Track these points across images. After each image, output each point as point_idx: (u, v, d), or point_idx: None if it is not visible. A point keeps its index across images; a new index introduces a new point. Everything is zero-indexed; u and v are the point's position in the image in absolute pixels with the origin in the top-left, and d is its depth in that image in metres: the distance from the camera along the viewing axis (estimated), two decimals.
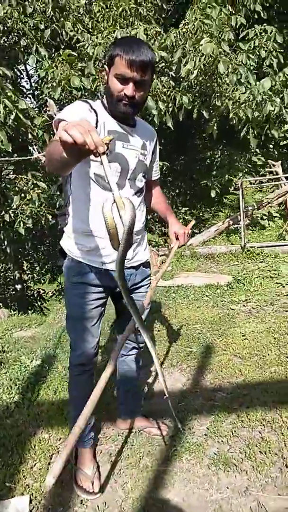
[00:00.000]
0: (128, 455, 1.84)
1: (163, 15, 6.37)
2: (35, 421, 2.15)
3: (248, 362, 2.41)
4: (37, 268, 8.63)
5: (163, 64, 4.67)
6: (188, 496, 1.59)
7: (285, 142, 7.33)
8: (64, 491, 1.67)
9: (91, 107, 1.42)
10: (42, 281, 8.74)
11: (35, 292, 8.03)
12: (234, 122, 4.26)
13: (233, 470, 1.66)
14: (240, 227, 5.55)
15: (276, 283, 3.63)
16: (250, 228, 5.33)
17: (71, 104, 1.43)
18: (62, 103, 4.54)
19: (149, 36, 4.64)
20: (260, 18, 6.55)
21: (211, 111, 4.47)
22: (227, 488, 1.60)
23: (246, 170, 7.35)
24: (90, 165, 1.46)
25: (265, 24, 5.71)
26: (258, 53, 5.30)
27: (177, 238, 1.78)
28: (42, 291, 8.15)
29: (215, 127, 4.56)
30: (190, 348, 2.68)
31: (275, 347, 2.53)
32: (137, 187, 1.58)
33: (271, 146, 7.94)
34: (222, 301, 3.38)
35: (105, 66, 1.43)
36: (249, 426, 1.89)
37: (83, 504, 1.61)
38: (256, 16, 6.35)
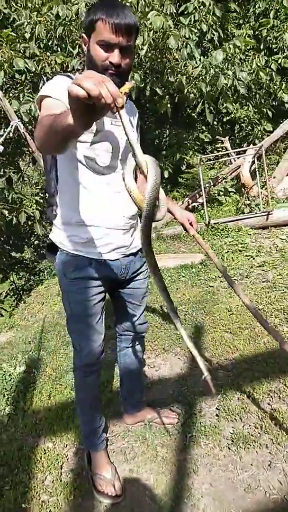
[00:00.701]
0: (143, 450, 1.77)
1: None
2: (34, 431, 2.01)
3: (240, 337, 2.43)
4: None
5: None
6: (215, 480, 1.56)
7: (228, 118, 7.45)
8: (85, 500, 1.58)
9: None
10: None
11: None
12: (190, 97, 4.19)
13: (253, 446, 1.66)
14: (199, 205, 5.60)
15: (246, 255, 3.69)
16: (209, 205, 5.37)
17: (51, 80, 1.28)
18: (4, 88, 4.19)
19: None
20: None
21: (163, 88, 4.36)
22: (251, 465, 1.59)
23: (195, 148, 7.38)
24: (77, 147, 1.33)
25: None
26: (199, 27, 5.25)
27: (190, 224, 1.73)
28: None
29: (168, 105, 4.47)
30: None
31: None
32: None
33: (215, 122, 8.03)
34: (199, 279, 3.37)
35: (83, 35, 1.28)
36: (258, 399, 1.90)
37: (109, 510, 1.52)
38: None
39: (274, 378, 2.01)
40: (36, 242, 5.51)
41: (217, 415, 1.88)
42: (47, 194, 1.53)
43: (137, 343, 1.81)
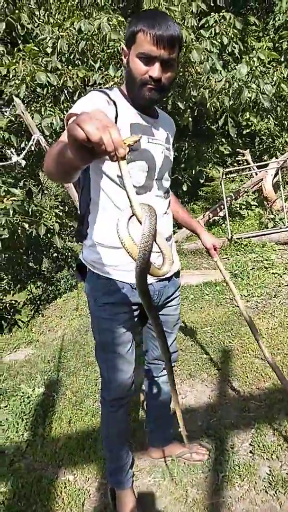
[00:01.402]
0: (171, 489, 1.64)
1: (120, 5, 6.13)
2: (54, 461, 1.90)
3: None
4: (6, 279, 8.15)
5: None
6: None
7: (247, 131, 7.35)
8: None
9: (109, 98, 1.19)
10: (12, 291, 8.26)
11: (7, 304, 7.57)
12: (211, 111, 4.11)
13: None
14: (220, 219, 5.48)
15: (273, 273, 3.54)
16: (230, 219, 5.25)
17: (85, 95, 1.20)
18: (26, 102, 4.19)
19: (112, 26, 4.40)
20: (216, 6, 6.50)
21: (185, 102, 4.29)
22: None
23: (215, 160, 7.28)
24: (111, 166, 1.24)
25: (223, 11, 5.64)
26: (220, 40, 5.20)
27: (215, 249, 1.65)
28: (14, 302, 7.70)
29: (190, 118, 4.39)
30: (206, 354, 2.52)
31: None
32: (164, 187, 1.38)
33: (234, 135, 7.95)
34: (224, 298, 3.24)
35: (124, 47, 1.20)
36: None
37: None
38: (212, 4, 6.28)
39: None
40: (55, 254, 5.47)
41: (251, 451, 1.73)
42: (78, 212, 1.45)
43: (166, 372, 1.69)
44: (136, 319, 1.43)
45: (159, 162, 1.31)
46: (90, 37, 4.32)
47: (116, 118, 1.18)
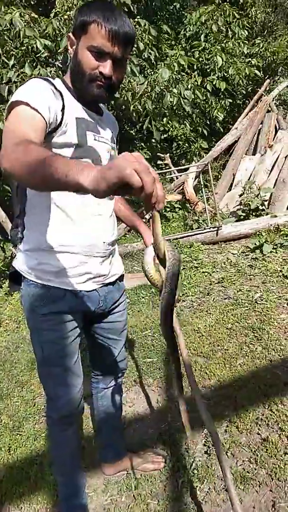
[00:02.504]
0: (129, 504, 1.56)
1: (31, 2, 5.87)
2: None
3: (214, 360, 2.31)
4: None
5: (47, 54, 4.26)
6: None
7: (165, 136, 7.58)
8: None
9: (55, 88, 1.08)
10: None
11: None
12: (134, 115, 4.12)
13: (251, 485, 1.53)
14: (146, 222, 5.52)
15: (203, 272, 3.64)
16: None
17: (27, 83, 1.07)
18: None
19: (25, 22, 4.18)
20: (131, 12, 6.59)
21: (106, 104, 4.24)
22: (254, 508, 1.46)
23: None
24: None
25: (138, 17, 5.73)
26: (136, 45, 5.27)
27: None
28: None
29: None
30: (149, 358, 2.47)
31: (232, 338, 2.49)
32: None
33: (153, 140, 8.13)
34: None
35: (70, 35, 1.11)
36: (245, 430, 1.78)
37: None
38: (126, 9, 6.35)
39: (258, 403, 1.92)
40: None
41: (206, 452, 1.72)
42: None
43: (116, 382, 1.61)
44: (80, 328, 1.33)
45: (104, 161, 1.24)
46: (2, 32, 4.06)
47: (62, 110, 1.07)
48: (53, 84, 1.09)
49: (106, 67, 1.08)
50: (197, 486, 1.57)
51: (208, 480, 1.59)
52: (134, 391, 2.24)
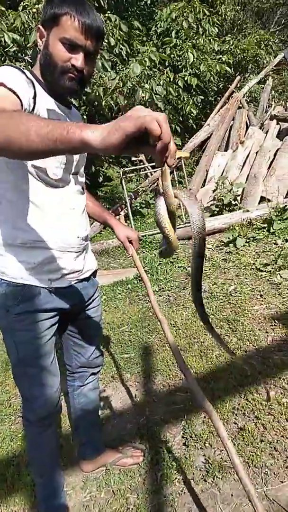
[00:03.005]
0: (108, 500, 1.55)
1: None
2: None
3: (190, 353, 2.33)
4: None
5: (16, 48, 4.16)
6: None
7: None
8: None
9: (27, 77, 1.05)
10: None
11: None
12: (106, 110, 4.09)
13: (229, 473, 1.55)
14: (120, 217, 5.50)
15: (179, 267, 3.67)
16: (132, 217, 5.32)
17: (1, 69, 1.03)
18: None
19: None
20: (101, 7, 6.52)
21: (78, 99, 4.19)
22: (232, 496, 1.48)
23: (111, 160, 7.32)
24: None
25: (108, 12, 5.68)
26: (107, 41, 5.23)
27: (130, 242, 1.54)
28: None
29: (85, 116, 4.31)
30: (127, 353, 2.47)
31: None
32: (80, 183, 1.29)
33: None
34: (137, 295, 3.23)
35: (40, 26, 1.09)
36: (223, 419, 1.81)
37: None
38: (96, 4, 6.28)
39: (234, 393, 1.95)
40: None
41: (184, 444, 1.74)
42: None
43: (92, 378, 1.59)
44: (55, 326, 1.30)
45: (76, 155, 1.22)
46: None
47: (34, 99, 1.05)
48: (24, 73, 1.06)
49: (78, 60, 1.07)
50: (176, 478, 1.58)
51: (187, 471, 1.60)
52: (112, 387, 2.23)
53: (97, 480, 1.65)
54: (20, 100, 0.95)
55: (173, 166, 0.69)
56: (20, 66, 4.04)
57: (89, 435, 1.65)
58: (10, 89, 0.93)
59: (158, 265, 3.74)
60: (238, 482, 1.52)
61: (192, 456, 1.66)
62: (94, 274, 1.46)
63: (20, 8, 4.51)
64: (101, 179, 6.83)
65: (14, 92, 0.94)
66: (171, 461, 1.65)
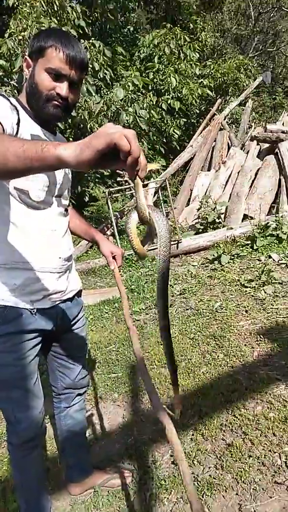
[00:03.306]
0: None
1: None
2: None
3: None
4: None
5: (2, 73, 4.26)
6: None
7: None
8: None
9: (11, 104, 1.10)
10: None
11: None
12: (92, 132, 4.18)
13: (218, 490, 1.55)
14: (108, 237, 5.54)
15: None
16: (118, 237, 5.36)
17: None
18: None
19: None
20: (86, 34, 6.74)
21: (64, 123, 4.28)
22: None
23: (96, 180, 7.41)
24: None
25: (92, 39, 5.87)
26: (92, 66, 5.39)
27: (114, 258, 1.56)
28: None
29: (71, 139, 4.39)
30: (114, 373, 2.46)
31: (195, 348, 2.54)
32: (64, 205, 1.33)
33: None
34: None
35: (27, 57, 1.15)
36: (211, 436, 1.81)
37: None
38: (81, 31, 6.50)
39: (222, 410, 1.96)
40: None
41: (173, 462, 1.73)
42: None
43: (79, 399, 1.59)
44: (38, 347, 1.31)
45: (59, 178, 1.27)
46: None
47: (18, 124, 1.09)
48: (9, 100, 1.11)
49: (63, 88, 1.13)
50: (165, 497, 1.57)
51: (176, 490, 1.59)
52: (99, 407, 2.21)
53: (85, 503, 1.62)
54: (2, 126, 0.99)
55: (144, 178, 0.73)
56: (6, 90, 4.13)
57: (76, 457, 1.63)
58: None
59: (144, 283, 3.77)
60: (227, 499, 1.52)
61: (181, 475, 1.65)
62: (78, 294, 1.47)
63: (6, 35, 4.64)
64: (87, 199, 6.89)
65: None
66: (160, 481, 1.64)
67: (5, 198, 1.14)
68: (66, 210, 1.34)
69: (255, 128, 7.51)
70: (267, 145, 6.04)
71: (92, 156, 0.67)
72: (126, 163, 0.68)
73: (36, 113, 1.17)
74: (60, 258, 1.28)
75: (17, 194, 1.15)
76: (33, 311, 1.24)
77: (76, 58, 1.12)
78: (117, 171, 7.14)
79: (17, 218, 1.17)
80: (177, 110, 7.19)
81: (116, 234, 4.59)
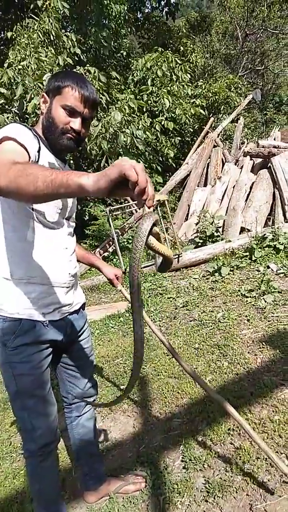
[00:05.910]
0: None
1: None
2: None
3: (185, 379, 2.41)
4: None
5: (3, 101, 4.45)
6: None
7: None
8: None
9: (34, 134, 1.24)
10: None
11: None
12: (91, 154, 4.34)
13: (229, 492, 1.61)
14: (110, 254, 5.65)
15: (168, 298, 3.79)
16: (120, 253, 5.47)
17: (10, 125, 1.21)
18: None
19: None
20: (81, 61, 7.01)
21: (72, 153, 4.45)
22: None
23: (96, 199, 7.57)
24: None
25: (88, 65, 6.12)
26: None
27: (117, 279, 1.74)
28: None
29: (71, 161, 4.55)
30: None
31: (200, 357, 2.61)
32: (72, 226, 1.46)
33: None
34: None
35: (44, 94, 1.29)
36: (219, 441, 1.88)
37: None
38: (76, 58, 6.76)
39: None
40: None
41: (184, 467, 1.79)
42: None
43: (88, 408, 1.66)
44: (50, 357, 1.40)
45: (70, 203, 1.40)
46: None
47: (39, 152, 1.22)
48: (31, 130, 1.24)
49: (76, 123, 1.27)
50: (178, 501, 1.62)
51: (188, 493, 1.64)
52: (110, 418, 2.27)
53: (101, 510, 1.67)
54: (28, 153, 1.12)
55: (152, 205, 0.81)
56: (8, 117, 4.31)
57: (90, 465, 1.69)
58: (20, 144, 1.10)
59: (148, 297, 3.85)
60: (238, 500, 1.57)
61: (192, 478, 1.71)
62: (83, 306, 1.58)
63: (5, 65, 4.86)
64: (87, 217, 7.04)
65: (23, 146, 1.10)
66: (172, 485, 1.70)
67: (25, 218, 1.25)
68: (74, 231, 1.47)
69: (247, 144, 7.74)
70: (260, 159, 6.23)
71: (106, 184, 0.78)
72: (134, 192, 0.77)
73: (51, 144, 1.30)
74: (69, 274, 1.39)
75: (34, 215, 1.26)
76: (45, 323, 1.34)
77: (89, 97, 1.27)
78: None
79: (34, 236, 1.28)
80: (171, 130, 7.42)
81: (118, 251, 4.70)
